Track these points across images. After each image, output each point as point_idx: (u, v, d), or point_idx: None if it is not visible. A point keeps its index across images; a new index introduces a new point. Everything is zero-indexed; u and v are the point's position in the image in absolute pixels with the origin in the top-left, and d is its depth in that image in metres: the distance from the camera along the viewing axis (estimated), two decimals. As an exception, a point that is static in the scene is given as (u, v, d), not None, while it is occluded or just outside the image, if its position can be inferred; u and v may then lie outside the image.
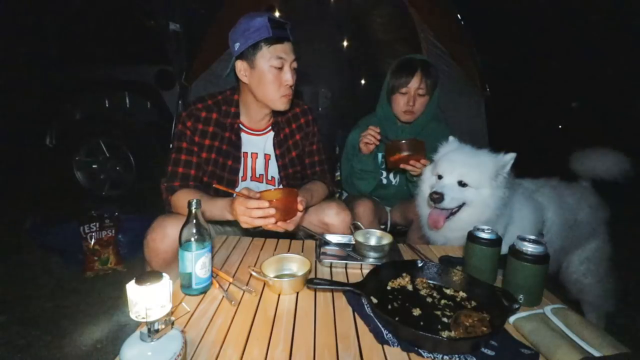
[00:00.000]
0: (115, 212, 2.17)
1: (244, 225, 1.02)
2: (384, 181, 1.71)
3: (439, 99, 1.64)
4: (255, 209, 0.99)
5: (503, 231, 1.29)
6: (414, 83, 1.53)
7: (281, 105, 1.23)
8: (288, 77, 1.18)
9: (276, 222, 1.02)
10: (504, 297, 0.83)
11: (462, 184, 1.21)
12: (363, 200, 1.54)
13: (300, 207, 1.06)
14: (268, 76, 1.17)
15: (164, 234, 1.09)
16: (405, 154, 1.38)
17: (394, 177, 1.70)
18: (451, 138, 1.35)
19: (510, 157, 1.20)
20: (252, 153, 1.35)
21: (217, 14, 2.42)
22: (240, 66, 1.19)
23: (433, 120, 1.69)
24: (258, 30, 1.12)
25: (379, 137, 1.45)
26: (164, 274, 0.59)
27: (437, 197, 1.19)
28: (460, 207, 1.23)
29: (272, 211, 0.99)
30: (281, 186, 1.41)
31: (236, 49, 1.17)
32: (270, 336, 0.74)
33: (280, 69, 1.17)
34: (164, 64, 2.83)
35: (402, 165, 1.43)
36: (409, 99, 1.55)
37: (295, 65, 1.21)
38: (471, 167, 1.21)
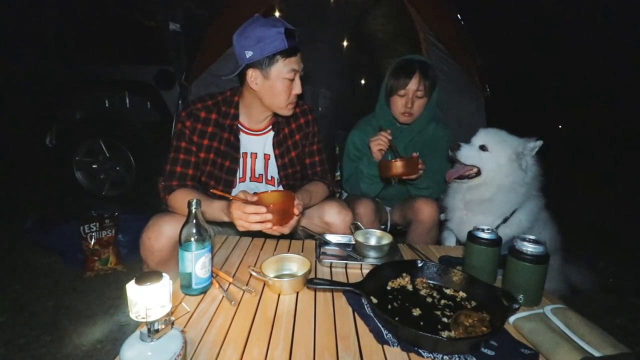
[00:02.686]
0: (115, 212, 2.17)
1: (241, 229, 1.03)
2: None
3: (437, 99, 1.64)
4: (252, 214, 0.99)
5: (514, 208, 1.37)
6: (413, 85, 1.51)
7: (287, 112, 1.26)
8: (298, 87, 1.21)
9: (272, 227, 1.02)
10: (504, 297, 0.83)
11: (483, 148, 1.37)
12: (364, 200, 1.54)
13: (296, 211, 1.06)
14: (280, 87, 1.19)
15: (159, 232, 1.09)
16: (399, 172, 1.36)
17: (394, 178, 1.70)
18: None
19: (538, 143, 1.31)
20: (251, 153, 1.35)
21: (217, 14, 2.42)
22: (252, 74, 1.18)
23: (432, 121, 1.68)
24: (274, 42, 1.12)
25: (389, 141, 1.44)
26: (164, 274, 0.59)
27: (454, 146, 1.41)
28: (477, 173, 1.39)
29: (269, 216, 1.00)
30: (281, 187, 1.41)
31: (248, 56, 1.15)
32: (270, 336, 0.74)
33: (292, 79, 1.19)
34: (164, 64, 2.82)
35: (396, 178, 1.43)
36: (407, 100, 1.53)
37: (301, 73, 1.23)
38: (495, 136, 1.38)
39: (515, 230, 1.36)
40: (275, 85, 1.18)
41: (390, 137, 1.43)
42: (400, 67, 1.55)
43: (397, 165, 1.34)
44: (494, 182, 1.35)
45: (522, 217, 1.37)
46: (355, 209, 1.50)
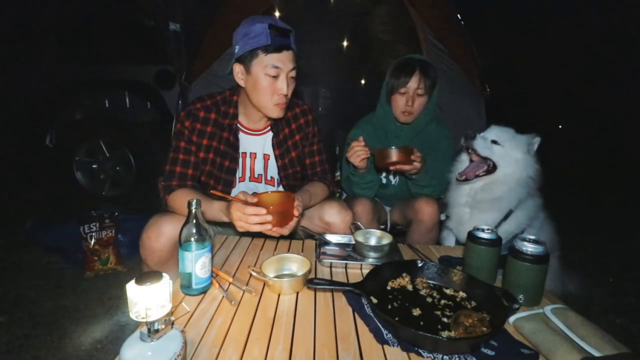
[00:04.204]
0: (115, 212, 2.16)
1: (241, 230, 1.03)
2: (384, 180, 1.71)
3: (437, 98, 1.64)
4: (252, 215, 0.99)
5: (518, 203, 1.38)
6: (413, 83, 1.52)
7: (273, 113, 1.22)
8: (282, 86, 1.17)
9: (272, 228, 1.02)
10: (504, 297, 0.83)
11: (495, 142, 1.36)
12: (362, 199, 1.54)
13: (296, 212, 1.06)
14: (262, 83, 1.16)
15: (159, 232, 1.09)
16: (393, 160, 1.37)
17: (394, 177, 1.70)
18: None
19: (537, 139, 1.34)
20: (250, 153, 1.35)
21: (217, 13, 2.42)
22: (238, 69, 1.19)
23: (433, 121, 1.68)
24: (257, 37, 1.11)
25: (366, 147, 1.41)
26: (164, 274, 0.59)
27: (470, 134, 1.36)
28: (489, 170, 1.37)
29: (269, 217, 1.00)
30: (280, 187, 1.41)
31: (235, 51, 1.17)
32: (270, 336, 0.74)
33: (276, 77, 1.16)
34: (164, 64, 2.82)
35: (391, 168, 1.43)
36: (407, 99, 1.54)
37: (293, 74, 1.20)
38: (505, 132, 1.38)
39: (514, 227, 1.36)
40: (257, 81, 1.16)
41: (363, 143, 1.41)
42: (401, 66, 1.55)
43: (392, 153, 1.35)
44: (512, 178, 1.34)
45: (520, 214, 1.37)
46: (354, 208, 1.50)
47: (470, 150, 1.39)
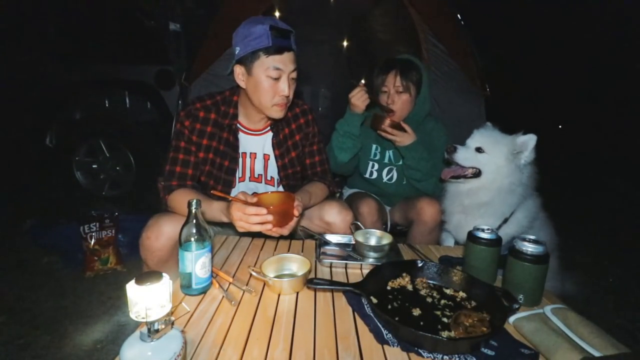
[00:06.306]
0: (115, 212, 2.16)
1: (241, 230, 1.03)
2: (374, 174, 1.72)
3: (429, 96, 1.65)
4: (252, 215, 0.99)
5: (512, 209, 1.38)
6: (390, 80, 1.57)
7: (274, 113, 1.23)
8: (284, 87, 1.17)
9: (272, 228, 1.02)
10: (504, 297, 0.83)
11: (479, 150, 1.35)
12: (367, 199, 1.55)
13: (296, 212, 1.06)
14: (264, 85, 1.16)
15: (159, 232, 1.09)
16: (382, 126, 1.51)
17: (387, 175, 1.71)
18: (488, 123, 1.48)
19: (528, 138, 1.28)
20: (250, 153, 1.35)
21: (217, 13, 2.42)
22: (239, 70, 1.19)
23: (430, 118, 1.69)
24: (258, 38, 1.11)
25: (366, 91, 1.49)
26: (164, 274, 0.59)
27: (450, 148, 1.38)
28: (475, 175, 1.37)
29: (270, 217, 1.00)
30: (280, 187, 1.41)
31: (236, 53, 1.17)
32: (270, 336, 0.74)
33: (277, 79, 1.16)
34: (164, 64, 2.82)
35: (378, 132, 1.55)
36: (387, 96, 1.59)
37: (294, 75, 1.20)
38: (490, 137, 1.37)
39: (515, 229, 1.36)
40: (258, 82, 1.16)
41: (365, 88, 1.50)
42: (382, 65, 1.62)
43: (385, 123, 1.51)
44: (493, 185, 1.34)
45: (521, 216, 1.37)
46: (359, 209, 1.51)
47: (453, 165, 1.41)
